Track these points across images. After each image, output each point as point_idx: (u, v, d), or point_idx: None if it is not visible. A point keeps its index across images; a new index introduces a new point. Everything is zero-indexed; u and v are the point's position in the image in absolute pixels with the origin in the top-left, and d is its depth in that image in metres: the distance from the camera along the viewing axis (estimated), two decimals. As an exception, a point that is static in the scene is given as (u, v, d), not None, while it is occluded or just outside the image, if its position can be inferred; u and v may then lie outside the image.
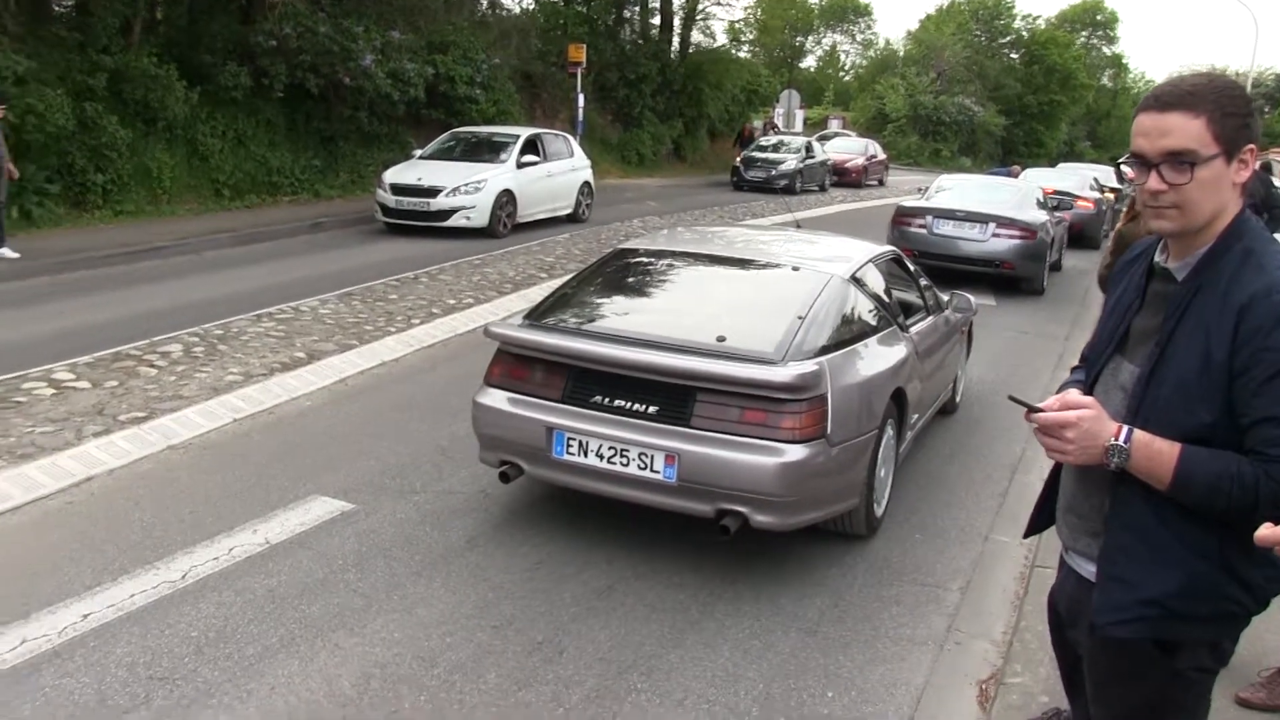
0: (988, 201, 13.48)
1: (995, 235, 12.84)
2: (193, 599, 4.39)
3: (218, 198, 16.55)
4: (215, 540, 4.91)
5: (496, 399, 5.06)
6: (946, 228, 13.12)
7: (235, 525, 5.08)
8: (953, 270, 12.52)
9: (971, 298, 7.83)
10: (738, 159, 28.01)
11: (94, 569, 4.59)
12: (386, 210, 15.13)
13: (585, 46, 25.87)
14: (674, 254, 6.00)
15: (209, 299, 10.03)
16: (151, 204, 15.29)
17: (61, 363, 7.44)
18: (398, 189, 15.03)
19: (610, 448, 4.69)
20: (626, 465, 4.67)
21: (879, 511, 5.37)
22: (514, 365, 5.06)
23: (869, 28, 75.23)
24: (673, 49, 34.04)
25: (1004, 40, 62.25)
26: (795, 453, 4.49)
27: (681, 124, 33.08)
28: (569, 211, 17.29)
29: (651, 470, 4.63)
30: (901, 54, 65.67)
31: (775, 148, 28.25)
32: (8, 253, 11.37)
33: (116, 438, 6.10)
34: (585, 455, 4.75)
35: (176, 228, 14.08)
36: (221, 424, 6.55)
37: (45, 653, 3.95)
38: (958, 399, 7.60)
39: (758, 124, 36.87)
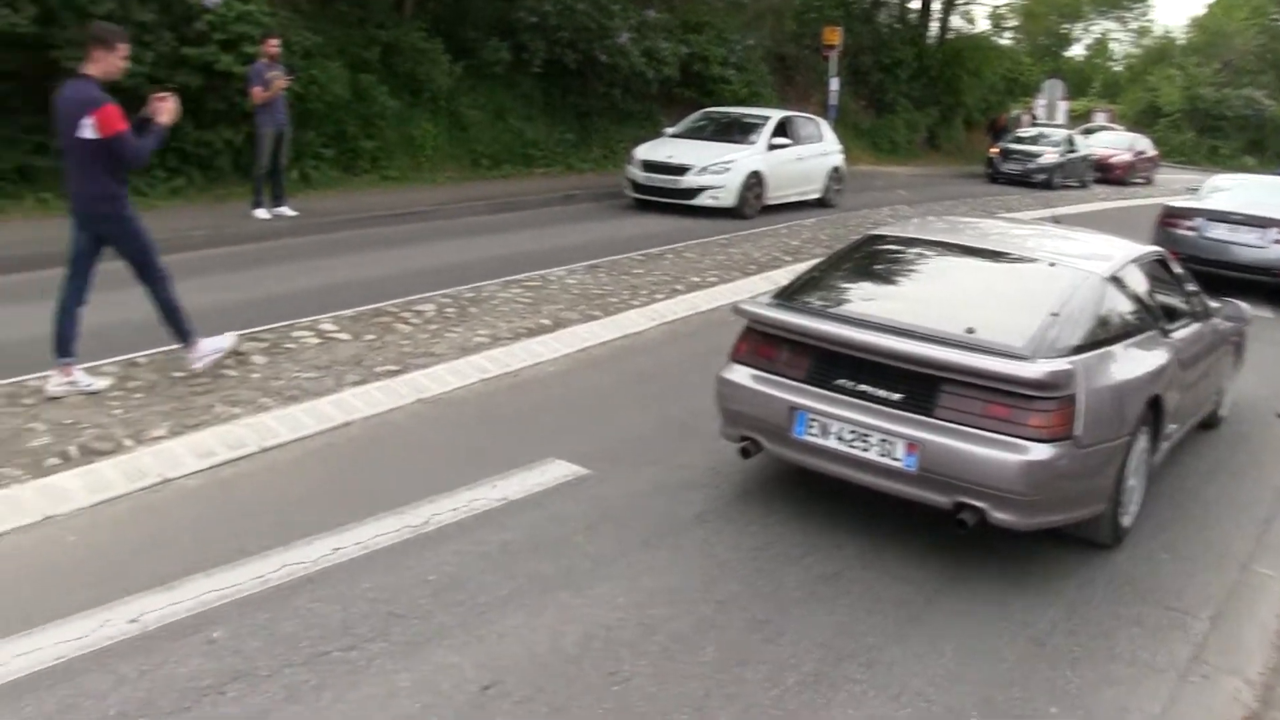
0: (1270, 205, 12.43)
1: (1277, 242, 11.87)
2: (432, 545, 4.62)
3: (475, 167, 17.23)
4: (456, 492, 5.13)
5: (741, 375, 5.11)
6: (1220, 231, 12.22)
7: (475, 480, 5.29)
8: (1225, 278, 11.65)
9: (1245, 307, 7.28)
10: (993, 150, 27.01)
11: (346, 507, 4.89)
12: (636, 186, 15.38)
13: (841, 29, 25.46)
14: (925, 242, 5.88)
15: (462, 263, 10.48)
16: (414, 170, 16.08)
17: (327, 314, 7.94)
18: (648, 165, 15.26)
19: (851, 431, 4.65)
20: (866, 450, 4.62)
21: (1126, 523, 5.09)
22: (761, 343, 5.10)
23: (1144, 14, 70.21)
24: (930, 34, 33.09)
25: (1313, 23, 56.60)
26: (1041, 451, 4.33)
27: (937, 112, 32.17)
28: (817, 196, 17.10)
29: (892, 458, 4.56)
30: (1181, 42, 61.32)
31: (1034, 140, 27.05)
32: (287, 211, 12.22)
33: (372, 388, 6.47)
34: (826, 437, 4.73)
35: (436, 194, 14.77)
36: (468, 382, 6.84)
37: (301, 578, 4.26)
38: (1222, 413, 7.10)
39: (1018, 113, 35.38)
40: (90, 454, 5.21)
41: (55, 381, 6.00)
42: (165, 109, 6.07)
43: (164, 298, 6.34)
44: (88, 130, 5.79)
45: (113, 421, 5.62)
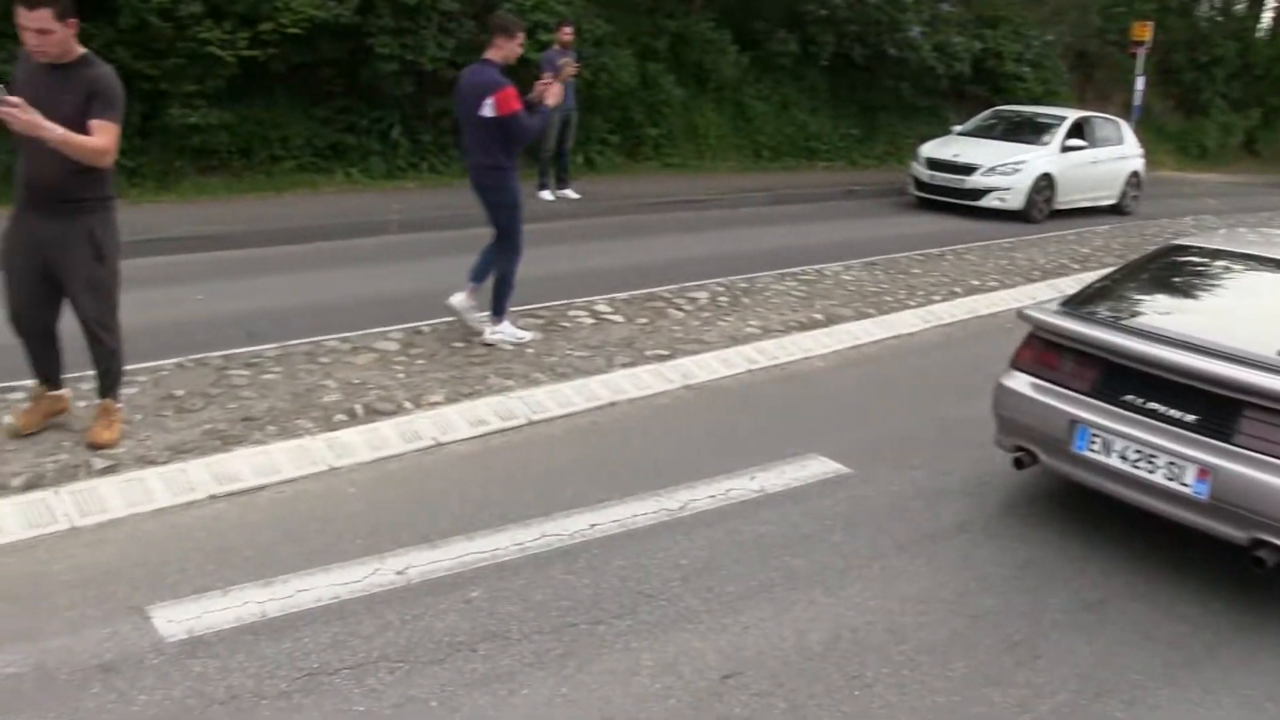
0: None
1: None
2: (686, 530, 4.62)
3: (757, 158, 17.25)
4: (714, 480, 5.12)
5: (1021, 383, 4.85)
6: None
7: (734, 469, 5.26)
8: None
9: None
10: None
11: (606, 485, 4.97)
12: (919, 184, 14.97)
13: (1152, 24, 23.79)
14: (1233, 255, 5.38)
15: (738, 253, 10.49)
16: (696, 159, 16.25)
17: (602, 296, 8.13)
18: (933, 164, 14.81)
19: (1136, 451, 4.32)
20: (1152, 473, 4.28)
21: None
22: (1044, 351, 4.82)
23: None
24: (1260, 27, 30.43)
25: None
26: (1360, 493, 3.88)
27: (1259, 114, 29.57)
28: (1112, 202, 16.09)
29: (1180, 483, 4.20)
30: None
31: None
32: (570, 194, 12.62)
33: (641, 370, 6.56)
34: (1108, 455, 4.42)
35: (716, 183, 14.87)
36: (735, 372, 6.83)
37: (557, 549, 4.37)
38: None
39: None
40: (373, 414, 5.54)
41: (458, 297, 6.90)
42: (551, 92, 6.70)
43: (506, 270, 6.82)
44: (487, 109, 6.40)
45: (395, 385, 5.96)
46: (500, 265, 6.80)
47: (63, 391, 5.13)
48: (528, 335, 6.92)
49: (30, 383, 5.25)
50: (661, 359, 6.79)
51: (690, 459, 5.38)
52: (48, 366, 5.04)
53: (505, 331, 6.83)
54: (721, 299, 8.41)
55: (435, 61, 12.68)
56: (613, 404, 6.12)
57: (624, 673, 3.58)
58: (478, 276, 6.90)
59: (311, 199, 11.60)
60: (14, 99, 4.23)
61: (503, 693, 3.43)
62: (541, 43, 12.90)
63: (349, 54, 12.57)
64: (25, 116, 4.22)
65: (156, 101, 11.12)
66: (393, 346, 6.59)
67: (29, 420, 5.04)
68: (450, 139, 13.52)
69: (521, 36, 6.70)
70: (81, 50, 4.58)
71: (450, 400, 5.79)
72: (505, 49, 6.58)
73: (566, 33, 12.23)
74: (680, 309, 8.01)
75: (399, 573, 4.09)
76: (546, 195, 12.45)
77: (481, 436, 5.52)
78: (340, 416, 5.46)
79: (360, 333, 6.77)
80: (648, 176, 14.96)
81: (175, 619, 3.71)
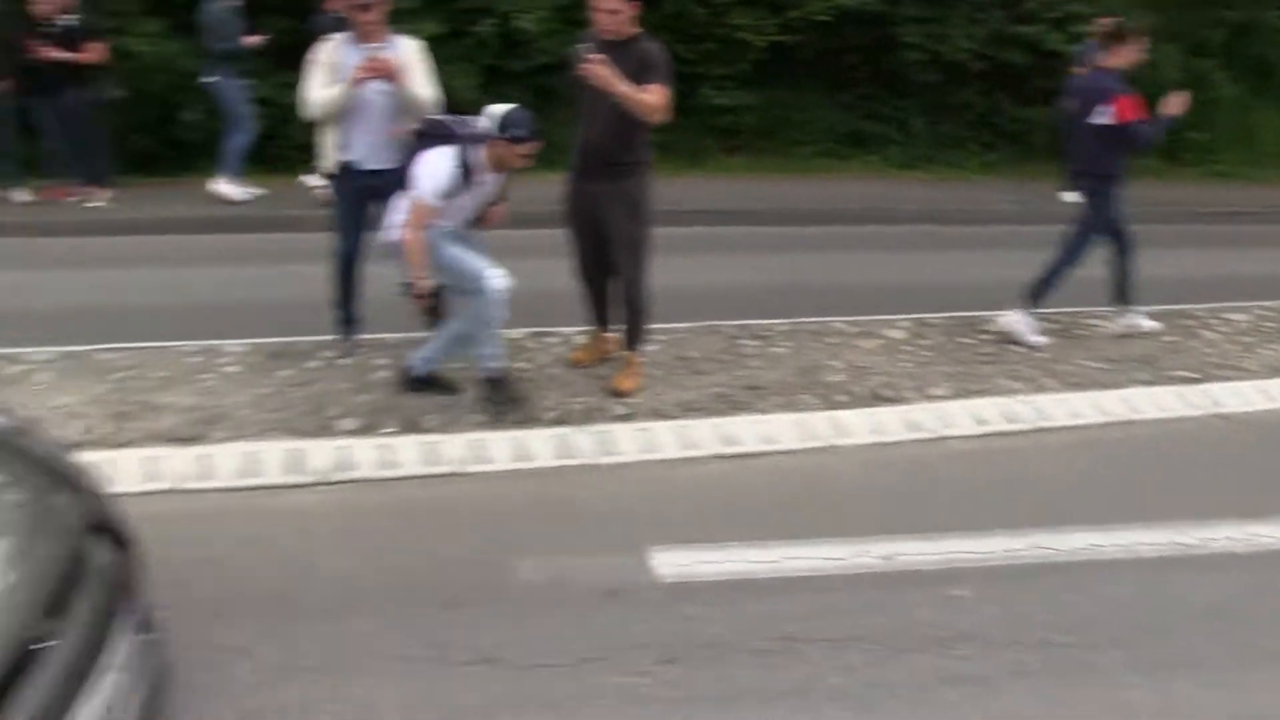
0: None
1: None
2: (1201, 569, 4.23)
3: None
4: (1238, 521, 4.61)
5: None
6: None
7: (1264, 513, 4.69)
8: None
9: None
10: None
11: (1110, 506, 4.69)
12: None
13: None
14: None
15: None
16: (1249, 166, 14.53)
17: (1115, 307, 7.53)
18: None
19: None
20: None
21: None
22: None
23: None
24: None
25: None
26: None
27: None
28: None
29: None
30: None
31: None
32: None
33: (1162, 391, 6.08)
34: None
35: (1273, 195, 13.27)
36: (1278, 406, 6.12)
37: (1050, 563, 4.20)
38: None
39: None
40: (875, 398, 5.62)
41: (1122, 323, 7.02)
42: (1175, 103, 6.57)
43: (1055, 271, 6.75)
44: (1104, 117, 6.45)
45: (899, 373, 5.99)
46: (1063, 259, 6.68)
47: (612, 335, 5.79)
48: (1042, 340, 6.64)
49: (567, 330, 6.10)
50: (1188, 381, 6.23)
51: (1210, 494, 4.92)
52: (601, 312, 5.76)
53: (1023, 325, 6.63)
54: (1268, 324, 7.50)
55: (961, 52, 12.44)
56: (1127, 422, 5.73)
57: (1112, 706, 3.37)
58: (1121, 297, 6.96)
59: (829, 183, 11.81)
60: (597, 55, 4.90)
61: (975, 694, 3.37)
62: (1076, 34, 12.21)
63: (874, 42, 12.66)
64: (604, 71, 4.86)
65: (691, 83, 11.84)
66: (900, 335, 6.61)
67: (584, 355, 5.87)
68: (970, 133, 13.23)
69: (1141, 43, 6.65)
70: (636, 30, 5.16)
71: (954, 395, 5.73)
72: (1123, 55, 6.55)
73: (1105, 25, 11.46)
74: (1215, 330, 7.28)
75: (884, 558, 4.12)
76: (1068, 197, 11.80)
77: (983, 436, 5.41)
78: (841, 397, 5.58)
79: (868, 318, 6.86)
80: (1190, 184, 13.69)
81: (671, 562, 4.01)
